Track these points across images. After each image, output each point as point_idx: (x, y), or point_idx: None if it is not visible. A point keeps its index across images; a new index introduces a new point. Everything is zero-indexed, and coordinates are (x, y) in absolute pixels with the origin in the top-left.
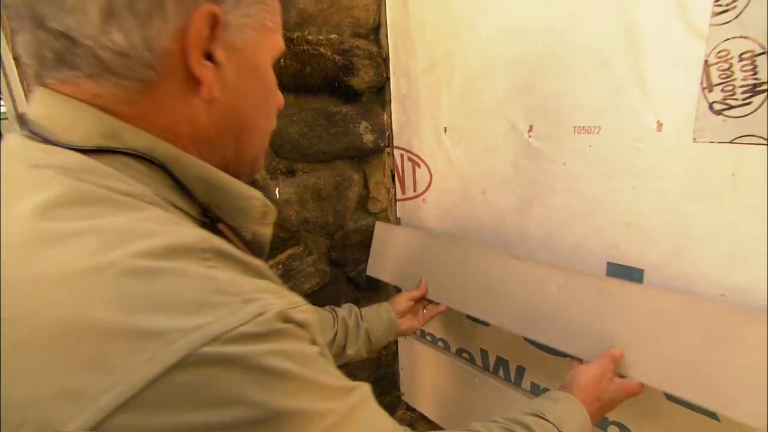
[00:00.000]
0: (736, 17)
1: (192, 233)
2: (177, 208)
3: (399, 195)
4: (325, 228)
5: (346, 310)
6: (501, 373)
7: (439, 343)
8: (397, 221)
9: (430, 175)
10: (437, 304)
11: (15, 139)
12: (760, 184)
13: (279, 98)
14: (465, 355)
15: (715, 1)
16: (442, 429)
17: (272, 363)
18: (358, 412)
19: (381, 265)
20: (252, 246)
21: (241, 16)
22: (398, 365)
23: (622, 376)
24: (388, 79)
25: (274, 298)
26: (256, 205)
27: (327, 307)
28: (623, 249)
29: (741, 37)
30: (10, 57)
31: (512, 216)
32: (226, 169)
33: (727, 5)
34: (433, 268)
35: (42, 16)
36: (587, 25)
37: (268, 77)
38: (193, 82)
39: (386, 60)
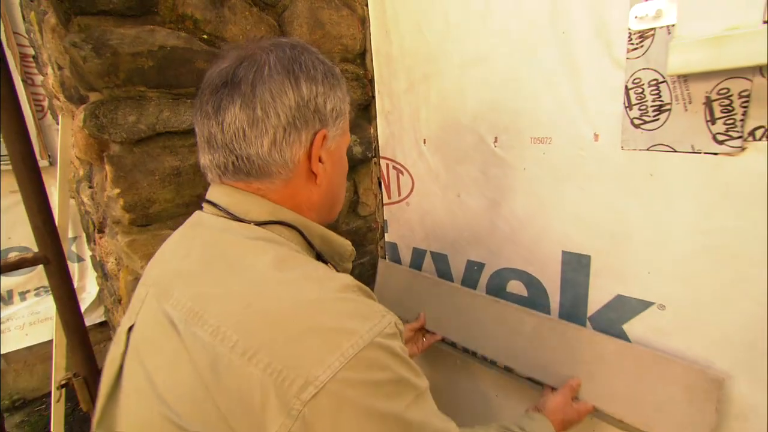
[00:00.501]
0: (644, 54)
1: (347, 277)
2: (309, 254)
3: (386, 199)
4: None
5: None
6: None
7: None
8: (384, 223)
9: (413, 182)
10: (434, 333)
11: (209, 215)
12: (670, 182)
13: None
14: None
15: (629, 41)
16: None
17: (398, 349)
18: (428, 391)
19: (384, 299)
20: (342, 269)
21: (336, 130)
22: None
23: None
24: (373, 97)
25: (392, 316)
26: (349, 250)
27: None
28: (574, 239)
29: (648, 68)
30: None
31: (483, 215)
32: (322, 224)
33: (637, 44)
34: (430, 303)
35: (232, 147)
36: (539, 54)
37: (345, 162)
38: (312, 176)
39: (372, 81)
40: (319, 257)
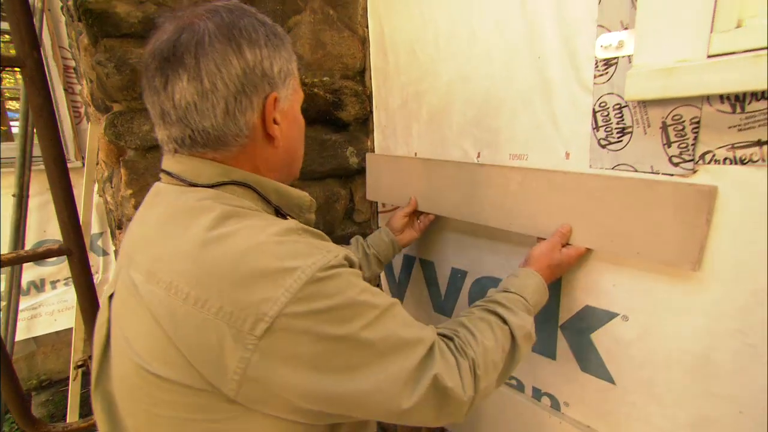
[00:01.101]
0: (609, 80)
1: (290, 222)
2: (265, 210)
3: (380, 208)
4: None
5: (353, 245)
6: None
7: None
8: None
9: None
10: (428, 214)
11: (165, 183)
12: None
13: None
14: None
15: (596, 68)
16: None
17: (348, 275)
18: (396, 305)
19: (377, 191)
20: (307, 222)
21: (286, 90)
22: None
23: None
24: (371, 112)
25: (339, 251)
26: (307, 201)
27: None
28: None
29: (613, 93)
30: (62, 88)
31: (467, 225)
32: (284, 182)
33: (603, 71)
34: (419, 185)
35: (187, 121)
36: (517, 76)
37: (300, 119)
38: (269, 138)
39: (370, 97)
40: (278, 212)
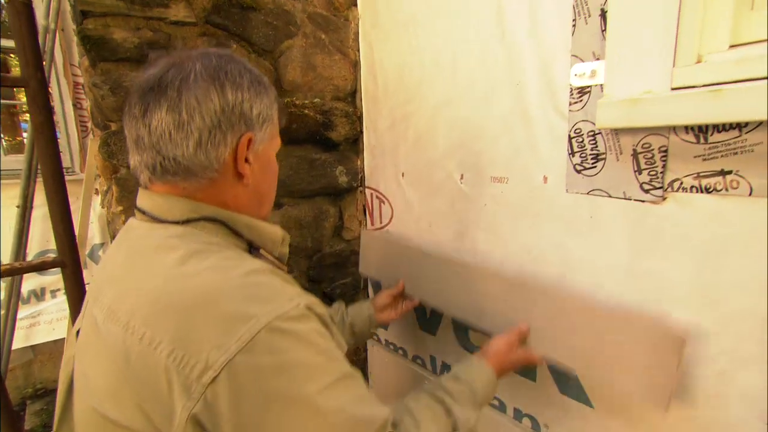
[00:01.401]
0: (583, 107)
1: (256, 262)
2: (237, 245)
3: (369, 226)
4: (305, 251)
5: (335, 308)
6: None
7: (399, 351)
8: None
9: (392, 211)
10: (412, 299)
11: (138, 220)
12: (607, 225)
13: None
14: (419, 360)
15: (571, 95)
16: None
17: (304, 332)
18: (353, 377)
19: (368, 266)
20: (279, 259)
21: (263, 134)
22: (368, 370)
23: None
24: (361, 132)
25: (303, 298)
26: (279, 235)
27: None
28: (527, 273)
29: (587, 120)
30: (71, 104)
31: (450, 245)
32: (256, 218)
33: (577, 99)
34: (408, 269)
35: (159, 148)
36: (499, 102)
37: (274, 165)
38: (239, 176)
39: (360, 118)
40: (252, 246)
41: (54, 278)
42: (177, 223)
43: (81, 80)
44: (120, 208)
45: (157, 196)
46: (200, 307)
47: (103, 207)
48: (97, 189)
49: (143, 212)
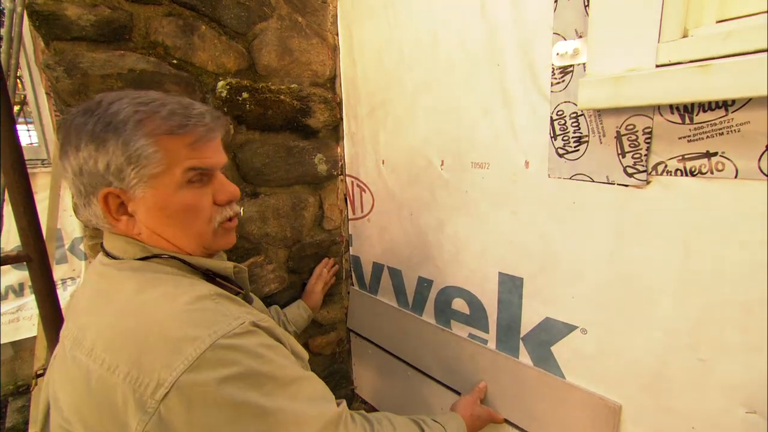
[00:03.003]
0: (565, 88)
1: (204, 288)
2: (193, 273)
3: (350, 215)
4: (283, 241)
5: (274, 317)
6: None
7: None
8: (350, 237)
9: (373, 199)
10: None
11: (102, 259)
12: (589, 210)
13: (203, 201)
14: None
15: (553, 76)
16: None
17: (250, 346)
18: (302, 380)
19: (354, 320)
20: (238, 281)
21: (132, 181)
22: (351, 361)
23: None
24: (341, 119)
25: (249, 317)
26: (229, 270)
27: None
28: (509, 261)
29: (569, 102)
30: (44, 92)
31: (432, 234)
32: (203, 247)
33: (559, 79)
34: (389, 326)
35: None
36: (479, 84)
37: (173, 204)
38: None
39: (340, 104)
40: (210, 274)
41: None
42: (137, 260)
43: None
44: None
45: (115, 238)
46: (151, 333)
47: None
48: None
49: (106, 252)
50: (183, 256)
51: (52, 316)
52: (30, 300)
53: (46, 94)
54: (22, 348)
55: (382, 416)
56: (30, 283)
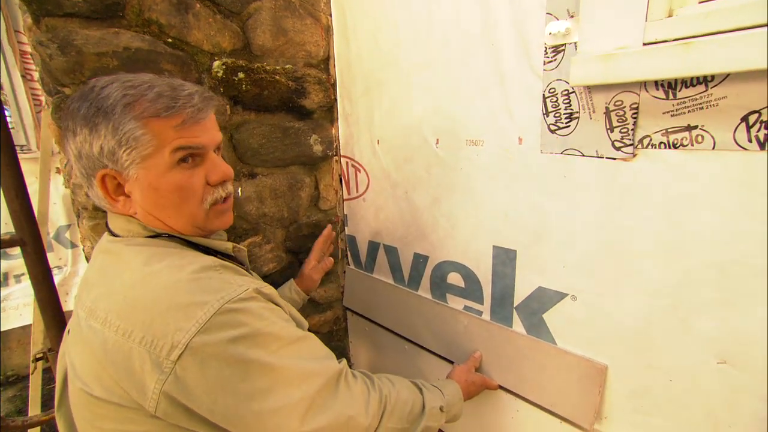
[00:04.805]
0: (557, 66)
1: (208, 259)
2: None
3: (345, 195)
4: (281, 221)
5: None
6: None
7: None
8: (345, 217)
9: (368, 179)
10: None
11: (108, 237)
12: (580, 183)
13: (194, 181)
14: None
15: (545, 54)
16: None
17: (255, 309)
18: (305, 339)
19: (352, 300)
20: (239, 258)
21: (126, 162)
22: (348, 339)
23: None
24: (336, 100)
25: (252, 284)
26: (229, 248)
27: None
28: (503, 235)
29: (561, 79)
30: (19, 75)
31: (427, 211)
32: (198, 227)
33: (552, 58)
34: (387, 304)
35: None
36: (472, 63)
37: (165, 184)
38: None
39: (334, 85)
40: (211, 252)
41: (17, 262)
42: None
43: (28, 48)
44: None
45: (117, 218)
46: (162, 300)
47: (66, 186)
48: (59, 168)
49: (110, 232)
50: (182, 236)
51: (48, 299)
52: (16, 290)
53: (22, 77)
54: (9, 338)
55: (382, 375)
56: (14, 273)
